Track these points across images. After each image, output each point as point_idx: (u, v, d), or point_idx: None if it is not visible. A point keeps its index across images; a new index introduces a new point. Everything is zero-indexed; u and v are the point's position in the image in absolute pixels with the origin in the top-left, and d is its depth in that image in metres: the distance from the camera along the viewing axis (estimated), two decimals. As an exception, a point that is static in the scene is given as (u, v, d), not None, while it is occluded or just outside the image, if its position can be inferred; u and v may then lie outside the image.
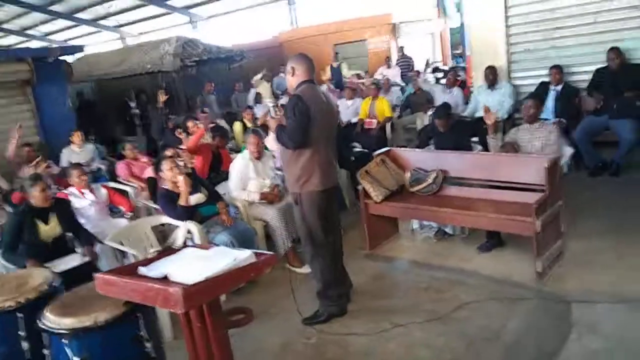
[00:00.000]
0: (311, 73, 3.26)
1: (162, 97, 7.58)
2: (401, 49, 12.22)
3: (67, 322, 2.01)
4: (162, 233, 4.38)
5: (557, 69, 5.65)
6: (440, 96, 7.12)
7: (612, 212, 4.40)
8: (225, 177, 4.92)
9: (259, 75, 10.62)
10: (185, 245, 3.36)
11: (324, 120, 3.18)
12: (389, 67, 11.37)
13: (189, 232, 3.87)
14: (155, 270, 1.96)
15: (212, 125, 6.50)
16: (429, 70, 11.97)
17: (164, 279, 1.91)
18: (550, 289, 3.34)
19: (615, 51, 5.25)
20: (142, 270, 1.97)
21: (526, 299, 3.28)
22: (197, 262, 2.00)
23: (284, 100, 9.15)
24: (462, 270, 3.79)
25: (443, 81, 8.65)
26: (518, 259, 3.79)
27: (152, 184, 4.86)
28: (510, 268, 3.70)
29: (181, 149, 6.58)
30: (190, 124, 6.14)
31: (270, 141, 6.05)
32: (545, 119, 4.66)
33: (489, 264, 3.82)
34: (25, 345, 2.21)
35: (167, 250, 2.68)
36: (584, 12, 5.63)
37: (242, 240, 3.85)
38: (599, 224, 4.18)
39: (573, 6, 5.69)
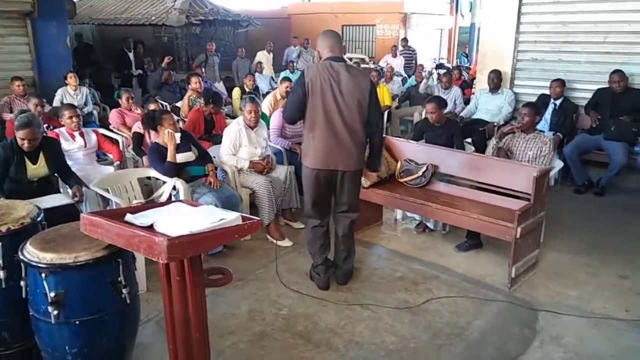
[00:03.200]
0: (333, 50, 3.17)
1: (166, 60, 7.60)
2: (405, 40, 12.14)
3: (47, 257, 2.01)
4: (148, 187, 4.37)
5: (558, 82, 5.68)
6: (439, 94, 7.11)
7: (591, 230, 4.49)
8: (218, 140, 4.90)
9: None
10: (171, 200, 3.39)
11: (325, 99, 3.09)
12: (394, 56, 11.32)
13: (174, 188, 3.86)
14: (142, 218, 1.96)
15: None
16: (434, 66, 11.96)
17: (150, 228, 1.91)
18: (521, 296, 3.42)
19: (619, 74, 5.29)
20: (129, 217, 1.96)
21: (496, 301, 3.35)
22: (184, 217, 2.00)
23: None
24: (438, 265, 3.85)
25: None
26: (494, 263, 3.87)
27: (137, 139, 4.84)
28: (485, 270, 3.77)
29: (177, 107, 6.56)
30: (194, 79, 6.15)
31: (264, 107, 6.07)
32: (541, 131, 4.71)
33: (465, 263, 3.88)
34: (1, 274, 2.20)
35: (154, 203, 2.68)
36: (595, 31, 5.66)
37: (227, 205, 3.84)
38: (577, 240, 4.27)
39: (585, 23, 5.71)
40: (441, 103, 4.62)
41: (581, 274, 3.72)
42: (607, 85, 5.42)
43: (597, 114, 5.42)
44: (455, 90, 7.21)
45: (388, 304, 3.29)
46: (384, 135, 5.17)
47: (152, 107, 5.19)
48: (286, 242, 4.17)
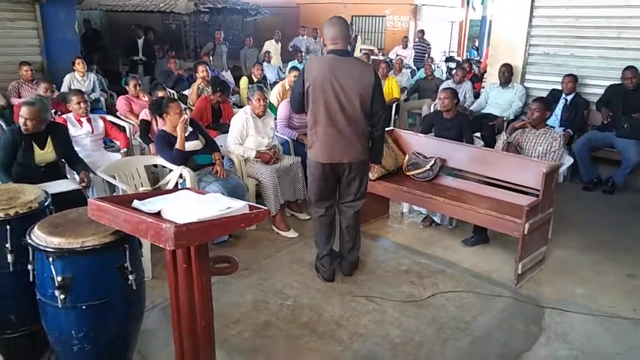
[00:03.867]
0: (336, 42, 3.11)
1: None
2: (421, 32, 12.04)
3: (54, 241, 2.01)
4: (154, 175, 4.37)
5: (571, 78, 5.60)
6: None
7: (600, 228, 4.45)
8: (225, 129, 4.89)
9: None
10: (177, 188, 3.38)
11: (325, 94, 3.07)
12: (405, 47, 11.22)
13: (181, 177, 3.85)
14: (149, 205, 1.95)
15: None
16: (443, 59, 11.87)
17: (157, 215, 1.90)
18: (527, 292, 3.40)
19: (632, 70, 5.21)
20: (137, 203, 1.96)
21: (502, 297, 3.33)
22: (191, 204, 1.99)
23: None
24: (444, 260, 3.83)
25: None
26: (500, 258, 3.84)
27: (145, 126, 4.83)
28: (492, 265, 3.75)
29: (184, 95, 6.54)
30: (201, 68, 6.11)
31: (273, 97, 6.06)
32: (552, 127, 4.66)
33: (471, 258, 3.86)
34: (10, 257, 2.21)
35: (160, 190, 2.67)
36: (609, 26, 5.58)
37: (233, 194, 3.82)
38: (585, 237, 4.24)
39: (598, 18, 5.63)
40: (455, 94, 4.61)
41: (589, 272, 3.69)
42: (620, 82, 5.35)
43: (609, 110, 5.35)
44: (466, 84, 7.16)
45: (393, 297, 3.28)
46: (392, 127, 5.15)
47: (160, 94, 5.17)
48: (292, 233, 4.16)
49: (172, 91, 6.91)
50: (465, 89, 7.06)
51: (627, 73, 5.24)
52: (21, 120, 3.36)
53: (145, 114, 4.85)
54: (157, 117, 4.58)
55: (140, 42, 9.48)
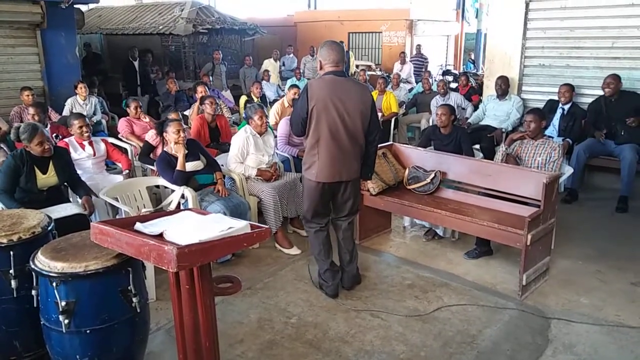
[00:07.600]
0: (337, 64, 3.21)
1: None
2: (418, 47, 12.16)
3: (58, 266, 2.02)
4: (156, 196, 4.39)
5: (567, 87, 5.62)
6: (438, 102, 7.10)
7: (602, 237, 4.44)
8: (225, 148, 4.91)
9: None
10: (180, 209, 3.39)
11: (329, 114, 3.14)
12: (402, 63, 11.33)
13: (183, 197, 3.87)
14: (151, 227, 1.97)
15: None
16: (440, 72, 11.96)
17: (159, 237, 1.92)
18: (532, 303, 3.38)
19: (612, 76, 5.24)
20: (139, 226, 1.97)
21: (507, 309, 3.31)
22: (193, 225, 2.01)
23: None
24: (448, 273, 3.82)
25: (453, 85, 8.65)
26: (504, 270, 3.83)
27: (147, 148, 4.84)
28: (496, 277, 3.74)
29: (185, 115, 6.58)
30: (200, 88, 6.13)
31: (271, 116, 6.10)
32: (550, 137, 4.67)
33: (475, 271, 3.85)
34: (13, 283, 2.22)
35: (163, 211, 2.69)
36: (603, 36, 5.63)
37: (235, 213, 3.85)
38: (588, 247, 4.23)
39: (593, 28, 5.69)
40: (451, 110, 4.63)
41: (593, 281, 3.68)
42: (597, 97, 5.38)
43: (603, 127, 5.32)
44: (455, 96, 7.20)
45: (398, 312, 3.27)
46: (391, 142, 5.18)
47: (171, 116, 5.13)
48: (294, 250, 4.16)
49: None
50: (455, 101, 7.10)
51: (607, 79, 5.26)
52: (40, 148, 3.42)
53: (151, 137, 4.85)
54: (163, 141, 4.59)
55: (136, 63, 9.59)
